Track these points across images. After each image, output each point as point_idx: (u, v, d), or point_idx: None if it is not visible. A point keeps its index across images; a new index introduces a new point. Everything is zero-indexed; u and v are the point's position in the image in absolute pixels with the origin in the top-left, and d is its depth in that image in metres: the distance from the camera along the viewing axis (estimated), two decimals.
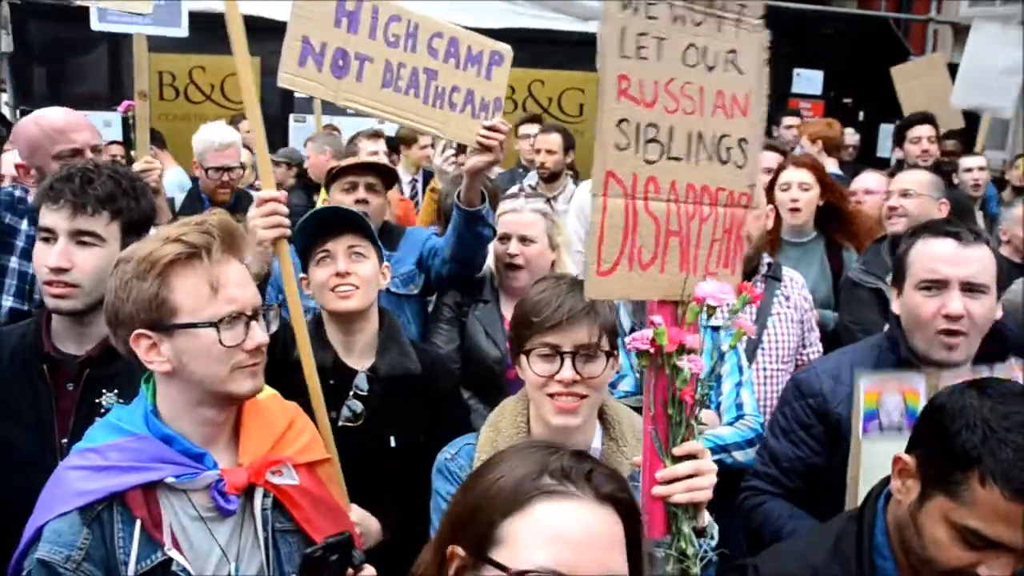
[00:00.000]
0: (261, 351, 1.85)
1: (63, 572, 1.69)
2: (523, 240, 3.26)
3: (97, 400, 2.20)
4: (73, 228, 2.23)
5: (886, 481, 1.84)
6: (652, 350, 1.69)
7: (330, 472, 2.14)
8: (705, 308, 1.72)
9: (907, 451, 1.76)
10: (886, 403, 2.16)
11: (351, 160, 3.83)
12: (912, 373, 2.24)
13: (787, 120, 8.32)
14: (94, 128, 3.57)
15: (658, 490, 1.72)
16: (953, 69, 7.00)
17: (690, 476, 1.71)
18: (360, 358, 2.72)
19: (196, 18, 4.47)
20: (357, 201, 3.57)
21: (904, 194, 4.08)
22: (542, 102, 8.25)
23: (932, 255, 2.35)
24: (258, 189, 5.72)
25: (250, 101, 2.57)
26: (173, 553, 1.75)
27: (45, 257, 2.22)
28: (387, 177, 3.80)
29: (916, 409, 2.12)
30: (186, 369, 1.79)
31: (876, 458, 2.12)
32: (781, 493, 2.51)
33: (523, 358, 2.10)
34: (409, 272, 3.54)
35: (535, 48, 8.23)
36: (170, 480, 1.77)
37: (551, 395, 2.05)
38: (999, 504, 1.55)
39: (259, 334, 1.84)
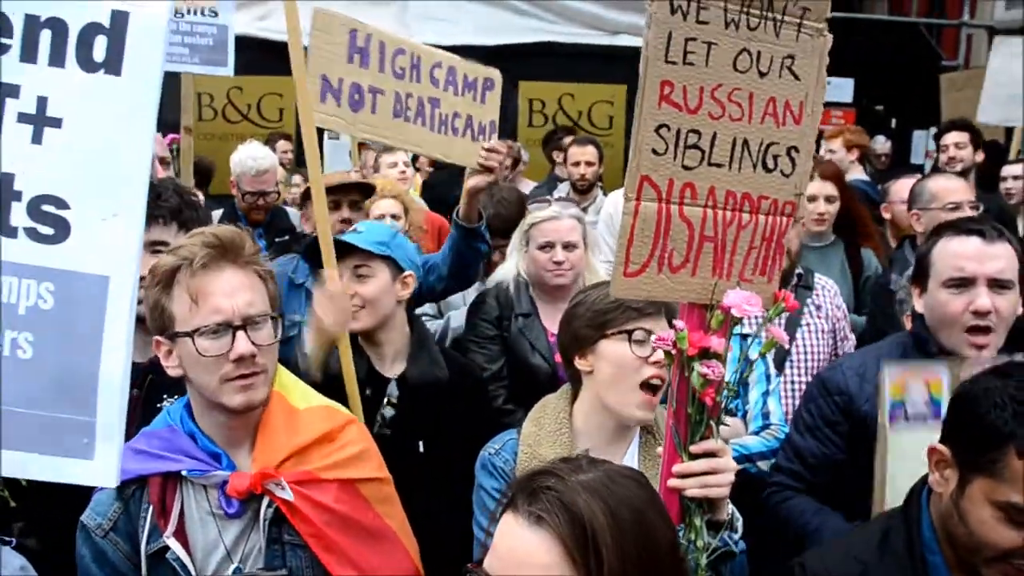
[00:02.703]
0: (254, 362, 1.85)
1: (94, 536, 1.88)
2: (567, 247, 3.32)
3: (159, 404, 2.28)
4: (148, 240, 2.31)
5: (926, 478, 1.86)
6: (674, 352, 1.74)
7: (385, 493, 2.07)
8: (729, 317, 1.73)
9: (940, 442, 1.77)
10: (911, 392, 2.16)
11: (329, 180, 3.95)
12: (935, 363, 2.25)
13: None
14: (161, 141, 3.72)
15: (672, 483, 1.77)
16: None
17: (705, 473, 1.76)
18: (392, 366, 2.81)
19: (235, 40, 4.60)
20: (342, 220, 3.71)
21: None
22: (572, 115, 8.31)
23: (957, 253, 2.36)
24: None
25: (313, 156, 2.77)
26: (171, 542, 1.85)
27: None
28: (369, 192, 4.04)
29: (940, 398, 2.14)
30: (189, 375, 1.89)
31: (903, 448, 2.13)
32: (805, 489, 2.52)
33: (607, 344, 2.14)
34: None
35: (565, 62, 8.30)
36: (185, 473, 1.88)
37: (642, 385, 2.10)
38: None
39: (243, 345, 1.82)
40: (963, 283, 2.33)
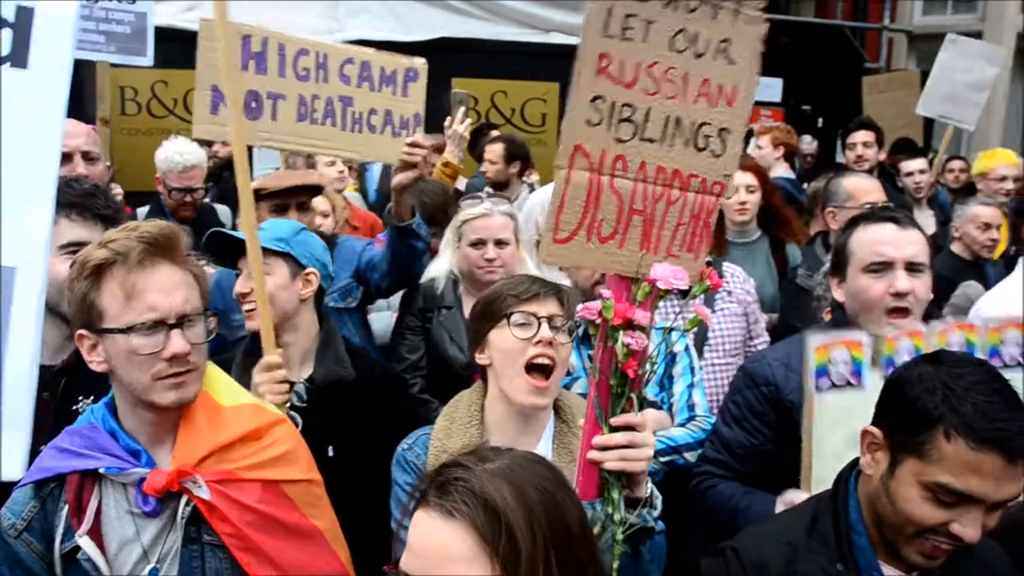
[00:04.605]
0: (187, 360, 1.84)
1: (6, 537, 1.83)
2: (498, 243, 3.33)
3: (74, 408, 2.24)
4: (72, 239, 2.30)
5: (854, 463, 1.92)
6: (599, 321, 1.75)
7: (313, 494, 2.05)
8: (656, 289, 1.75)
9: (873, 424, 1.84)
10: (835, 358, 2.24)
11: (277, 182, 3.89)
12: (858, 331, 2.33)
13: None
14: (92, 136, 3.58)
15: (592, 455, 1.79)
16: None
17: (625, 446, 1.78)
18: (299, 368, 2.75)
19: (158, 33, 4.48)
20: None
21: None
22: (505, 112, 8.32)
23: (876, 239, 2.48)
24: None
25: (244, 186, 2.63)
26: (82, 541, 1.81)
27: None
28: (315, 192, 3.93)
29: (862, 362, 2.23)
30: (116, 372, 1.85)
31: (829, 412, 2.22)
32: (733, 478, 2.57)
33: (494, 333, 2.19)
34: (346, 285, 3.60)
35: (498, 59, 8.31)
36: (102, 471, 1.84)
37: (527, 369, 2.13)
38: (965, 455, 1.64)
39: (177, 343, 1.81)
40: (882, 267, 2.44)
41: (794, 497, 2.23)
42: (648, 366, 1.80)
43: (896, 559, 1.82)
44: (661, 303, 1.87)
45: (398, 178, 3.27)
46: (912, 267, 2.44)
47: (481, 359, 2.26)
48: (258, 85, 2.82)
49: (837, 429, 2.20)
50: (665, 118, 1.78)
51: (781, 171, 6.72)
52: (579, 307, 1.80)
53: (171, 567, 1.86)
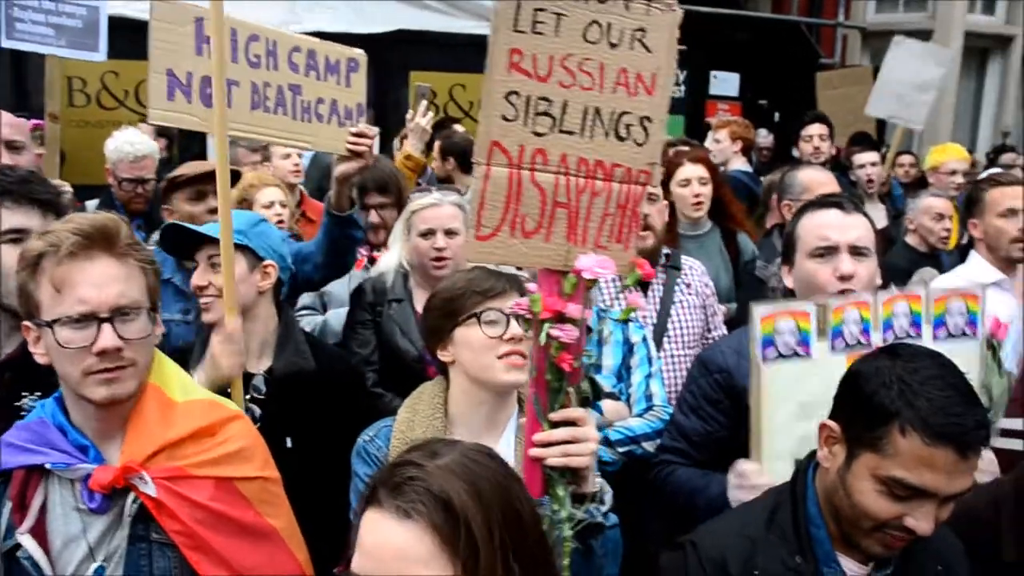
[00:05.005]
0: (119, 356, 1.78)
1: None
2: (448, 233, 3.31)
3: (17, 403, 2.18)
4: (8, 227, 2.26)
5: (813, 455, 1.93)
6: (529, 316, 1.74)
7: (270, 492, 2.00)
8: (582, 280, 1.74)
9: (831, 418, 1.85)
10: (780, 328, 2.26)
11: (195, 169, 3.81)
12: (803, 302, 2.37)
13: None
14: (20, 126, 3.48)
15: (534, 452, 1.78)
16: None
17: (567, 441, 1.77)
18: (257, 360, 2.72)
19: (108, 22, 4.36)
20: (210, 211, 3.56)
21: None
22: (463, 106, 8.28)
23: (820, 224, 2.52)
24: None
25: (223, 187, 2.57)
26: (23, 539, 1.77)
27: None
28: (234, 180, 3.85)
29: (808, 332, 2.26)
30: (55, 365, 1.81)
31: (776, 382, 2.24)
32: (690, 465, 2.58)
33: (461, 331, 2.15)
34: None
35: (456, 52, 8.25)
36: (49, 466, 1.80)
37: (500, 356, 2.10)
38: (920, 450, 1.65)
39: (107, 338, 1.76)
40: (827, 251, 2.48)
41: (745, 467, 2.25)
42: (585, 359, 1.78)
43: (854, 550, 1.83)
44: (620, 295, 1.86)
45: (341, 168, 3.23)
46: (856, 251, 2.47)
47: (444, 356, 2.23)
48: (210, 70, 2.72)
49: (785, 399, 2.23)
50: (583, 109, 1.76)
51: (738, 164, 6.78)
52: (511, 303, 1.79)
53: (117, 566, 1.82)
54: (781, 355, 2.26)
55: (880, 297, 2.31)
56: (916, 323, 2.30)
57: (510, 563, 1.28)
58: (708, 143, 7.07)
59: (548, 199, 1.76)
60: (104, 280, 1.78)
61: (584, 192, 1.79)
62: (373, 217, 4.08)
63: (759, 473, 2.24)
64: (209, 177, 3.57)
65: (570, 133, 1.76)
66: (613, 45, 1.76)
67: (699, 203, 4.45)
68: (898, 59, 6.59)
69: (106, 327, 1.76)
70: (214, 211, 3.48)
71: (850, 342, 2.27)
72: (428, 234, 3.31)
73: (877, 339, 2.28)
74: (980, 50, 15.13)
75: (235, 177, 4.04)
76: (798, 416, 2.23)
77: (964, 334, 2.32)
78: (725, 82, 11.64)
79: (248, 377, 2.66)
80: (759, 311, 2.26)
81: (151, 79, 2.66)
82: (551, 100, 1.73)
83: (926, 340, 2.27)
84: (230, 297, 2.57)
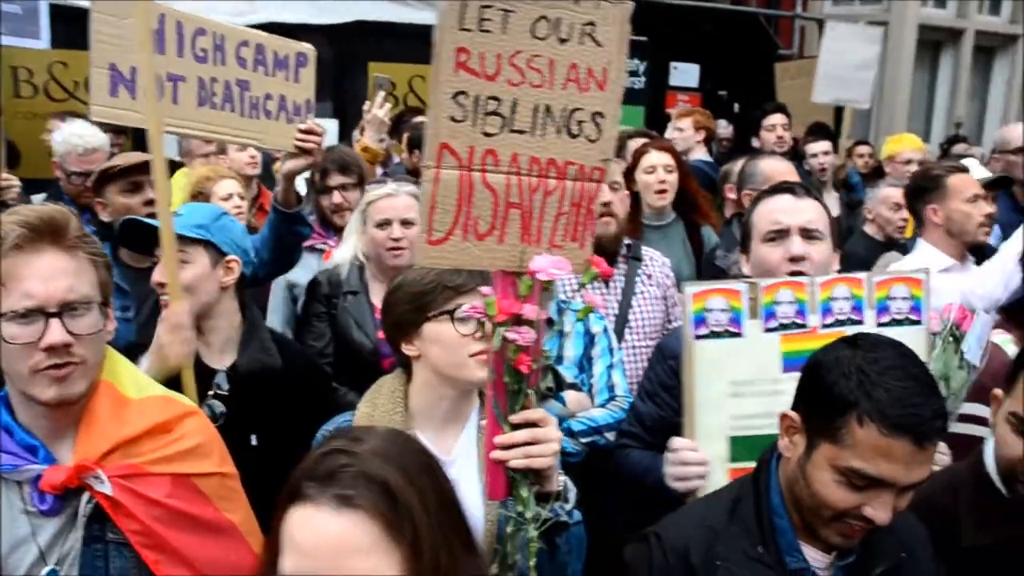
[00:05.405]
0: (68, 352, 1.73)
1: None
2: (404, 223, 3.27)
3: None
4: None
5: (775, 446, 1.93)
6: (485, 320, 1.72)
7: (228, 488, 1.97)
8: (538, 281, 1.72)
9: (792, 408, 1.85)
10: (712, 306, 2.30)
11: (128, 160, 3.72)
12: (734, 281, 2.40)
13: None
14: None
15: (495, 455, 1.76)
16: None
17: (528, 443, 1.75)
18: (221, 356, 2.68)
19: (57, 11, 4.24)
20: (146, 202, 3.49)
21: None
22: (423, 97, 8.19)
23: (772, 208, 2.57)
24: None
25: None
26: None
27: None
28: (172, 170, 3.83)
29: (740, 311, 2.30)
30: (1, 363, 1.74)
31: (707, 360, 2.28)
32: (645, 448, 2.60)
33: (431, 326, 2.11)
34: None
35: (415, 43, 8.16)
36: None
37: (472, 355, 2.07)
38: (877, 441, 1.66)
39: (55, 333, 1.70)
40: (779, 235, 2.52)
41: (677, 443, 2.29)
42: (543, 361, 1.77)
43: (816, 540, 1.84)
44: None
45: (289, 164, 3.19)
46: (807, 233, 2.50)
47: (409, 349, 2.18)
48: (156, 66, 2.65)
49: (716, 377, 2.27)
50: (534, 107, 1.73)
51: (700, 154, 6.82)
52: (465, 306, 1.76)
53: (71, 568, 1.76)
54: (713, 332, 2.29)
55: (816, 280, 2.33)
56: (858, 308, 2.31)
57: (450, 541, 1.27)
58: (670, 132, 7.10)
59: (500, 200, 1.73)
60: (51, 274, 1.72)
61: (537, 191, 1.76)
62: (336, 198, 4.03)
63: (691, 449, 2.28)
64: (144, 168, 3.47)
65: (521, 132, 1.73)
66: (563, 40, 1.73)
67: (663, 191, 4.45)
68: (833, 44, 6.77)
69: (54, 322, 1.70)
70: (150, 203, 3.41)
71: (784, 322, 2.30)
72: (384, 224, 3.27)
73: (814, 321, 2.30)
74: (933, 43, 15.40)
75: (174, 168, 3.96)
76: (730, 394, 2.27)
77: (909, 320, 2.33)
78: (685, 73, 11.71)
79: (211, 374, 2.62)
80: (691, 289, 2.30)
81: (93, 74, 2.58)
82: (500, 99, 1.70)
83: (869, 325, 2.28)
84: (174, 285, 2.51)
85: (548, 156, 1.77)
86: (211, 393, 2.55)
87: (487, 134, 1.70)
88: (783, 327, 2.29)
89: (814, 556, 1.85)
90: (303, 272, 3.60)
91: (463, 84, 1.66)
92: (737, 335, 2.28)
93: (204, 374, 2.59)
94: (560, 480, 1.85)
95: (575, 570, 1.99)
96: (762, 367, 2.28)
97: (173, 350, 2.45)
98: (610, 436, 2.88)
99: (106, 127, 4.54)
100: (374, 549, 1.21)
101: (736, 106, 11.86)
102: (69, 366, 1.73)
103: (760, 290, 2.29)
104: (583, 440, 2.89)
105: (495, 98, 1.70)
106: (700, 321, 2.28)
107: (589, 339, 3.07)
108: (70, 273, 1.75)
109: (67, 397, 1.75)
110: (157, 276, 2.64)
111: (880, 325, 2.29)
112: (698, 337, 2.28)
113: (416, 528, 1.22)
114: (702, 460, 2.26)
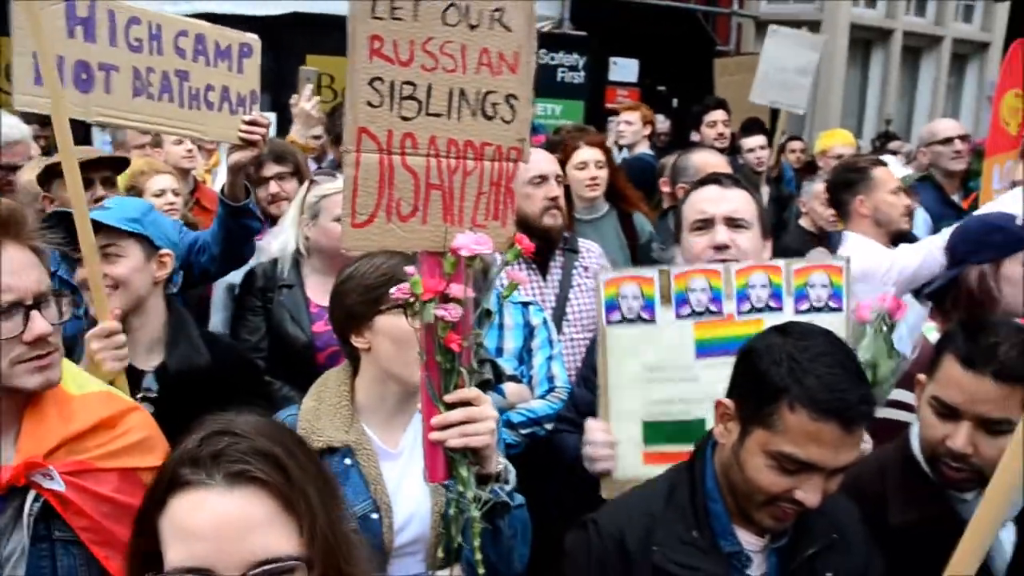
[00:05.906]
0: (48, 342, 1.75)
1: None
2: None
3: None
4: None
5: (711, 434, 1.97)
6: (412, 299, 1.73)
7: None
8: (461, 259, 1.74)
9: (727, 396, 1.89)
10: (624, 292, 2.35)
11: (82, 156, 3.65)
12: (647, 268, 2.45)
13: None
14: None
15: (433, 436, 1.76)
16: None
17: (464, 422, 1.76)
18: (148, 356, 2.60)
19: None
20: (96, 199, 3.36)
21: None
22: None
23: (699, 199, 2.63)
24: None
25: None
26: None
27: None
28: (120, 166, 3.73)
29: (652, 298, 2.36)
30: None
31: (621, 345, 2.34)
32: (579, 433, 2.61)
33: (385, 319, 2.10)
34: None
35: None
36: None
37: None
38: (807, 426, 1.71)
39: (39, 324, 1.72)
40: (704, 224, 2.58)
41: (592, 425, 2.36)
42: (473, 338, 1.78)
43: (750, 524, 1.88)
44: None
45: (234, 157, 3.14)
46: (732, 222, 2.55)
47: (359, 342, 2.16)
48: (86, 55, 2.59)
49: (629, 361, 2.34)
50: (448, 91, 1.78)
51: (644, 148, 6.91)
52: (392, 290, 1.77)
53: (16, 569, 1.72)
54: (625, 319, 2.34)
55: (732, 267, 2.38)
56: (776, 295, 2.35)
57: (331, 510, 1.28)
58: (618, 126, 7.19)
59: (421, 182, 1.77)
60: (21, 267, 1.73)
61: (456, 172, 1.80)
62: (272, 188, 3.97)
63: (605, 431, 2.34)
64: (92, 165, 3.43)
65: (437, 115, 1.78)
66: (472, 27, 1.78)
67: (595, 185, 4.50)
68: (775, 47, 6.88)
69: (35, 314, 1.73)
70: (100, 199, 3.32)
71: (698, 309, 2.35)
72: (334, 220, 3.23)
73: (730, 308, 2.35)
74: (864, 41, 15.83)
75: (124, 164, 3.86)
76: (643, 379, 2.33)
77: (829, 307, 2.36)
78: (624, 68, 11.81)
79: (139, 375, 2.54)
80: (603, 276, 2.36)
81: (15, 62, 2.48)
82: (415, 84, 1.74)
83: (787, 313, 2.32)
84: (100, 297, 2.41)
85: (465, 138, 1.81)
86: (139, 396, 2.46)
87: (404, 118, 1.74)
88: (696, 314, 2.34)
89: (748, 539, 1.90)
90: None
91: (378, 70, 1.70)
92: (650, 321, 2.34)
93: (132, 375, 2.51)
94: (500, 462, 1.86)
95: (521, 554, 2.00)
96: (675, 353, 2.34)
97: (106, 366, 2.36)
98: (550, 427, 2.90)
99: (33, 117, 4.41)
100: (273, 523, 1.20)
101: (675, 101, 11.99)
102: (50, 355, 1.76)
103: (672, 277, 2.34)
104: (523, 431, 2.90)
105: (410, 83, 1.74)
106: (613, 307, 2.34)
107: (529, 331, 3.09)
108: (35, 266, 1.78)
109: (52, 383, 1.78)
110: (81, 275, 2.55)
111: (799, 312, 2.33)
112: (610, 323, 2.34)
113: (309, 504, 1.22)
114: (611, 441, 2.33)
